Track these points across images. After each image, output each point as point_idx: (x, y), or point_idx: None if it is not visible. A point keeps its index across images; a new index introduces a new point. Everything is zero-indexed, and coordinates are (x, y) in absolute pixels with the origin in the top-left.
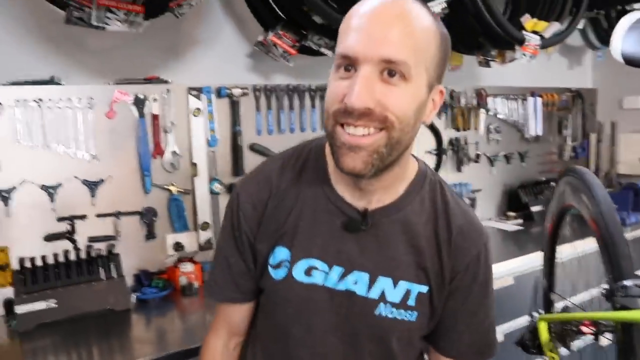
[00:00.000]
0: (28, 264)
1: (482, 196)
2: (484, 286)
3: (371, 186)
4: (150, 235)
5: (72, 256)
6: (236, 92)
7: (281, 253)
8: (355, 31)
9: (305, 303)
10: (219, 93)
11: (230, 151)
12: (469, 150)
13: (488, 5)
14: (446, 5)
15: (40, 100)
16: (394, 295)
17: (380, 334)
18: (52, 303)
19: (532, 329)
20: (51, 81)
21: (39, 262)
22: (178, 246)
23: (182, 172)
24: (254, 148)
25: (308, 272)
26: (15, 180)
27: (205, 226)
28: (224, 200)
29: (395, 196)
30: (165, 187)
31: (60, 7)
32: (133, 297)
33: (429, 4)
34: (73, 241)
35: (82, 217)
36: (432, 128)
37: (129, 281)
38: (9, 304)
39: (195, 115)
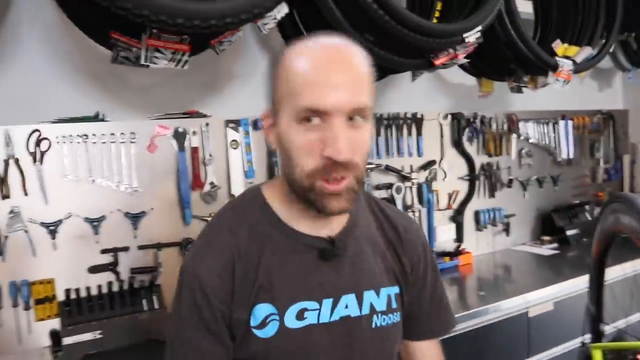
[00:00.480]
0: (73, 295)
1: (515, 221)
2: (434, 268)
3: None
4: None
5: (115, 287)
6: None
7: (262, 310)
8: (319, 84)
9: (306, 348)
10: (256, 125)
11: None
12: (501, 176)
13: (520, 33)
14: (480, 35)
15: (86, 136)
16: (380, 303)
17: (382, 345)
18: (97, 334)
19: (586, 358)
20: (96, 117)
21: (83, 294)
22: None
23: (220, 204)
24: None
25: (300, 316)
26: (62, 214)
27: None
28: None
29: (347, 216)
30: (205, 218)
31: (107, 47)
32: None
33: (464, 35)
34: (116, 273)
35: (125, 248)
36: (464, 154)
37: None
38: (55, 335)
39: (233, 148)
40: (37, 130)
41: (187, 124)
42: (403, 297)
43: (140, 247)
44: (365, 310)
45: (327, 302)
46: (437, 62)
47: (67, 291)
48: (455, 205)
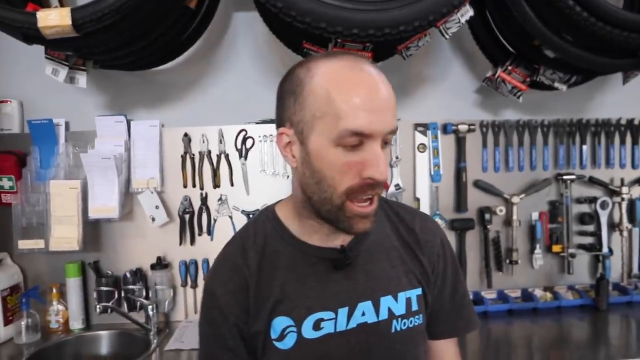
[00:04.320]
0: None
1: None
2: (454, 265)
3: None
4: None
5: None
6: (462, 128)
7: (281, 323)
8: (364, 109)
9: (325, 357)
10: (445, 129)
11: (454, 187)
12: None
13: None
14: None
15: None
16: (399, 308)
17: (404, 348)
18: None
19: None
20: None
21: None
22: None
23: None
24: (478, 185)
25: (316, 326)
26: (259, 204)
27: None
28: None
29: None
30: None
31: (302, 55)
32: None
33: None
34: None
35: None
36: None
37: None
38: None
39: (420, 151)
40: (244, 129)
41: None
42: (426, 298)
43: None
44: (383, 315)
45: (343, 311)
46: None
47: None
48: None
